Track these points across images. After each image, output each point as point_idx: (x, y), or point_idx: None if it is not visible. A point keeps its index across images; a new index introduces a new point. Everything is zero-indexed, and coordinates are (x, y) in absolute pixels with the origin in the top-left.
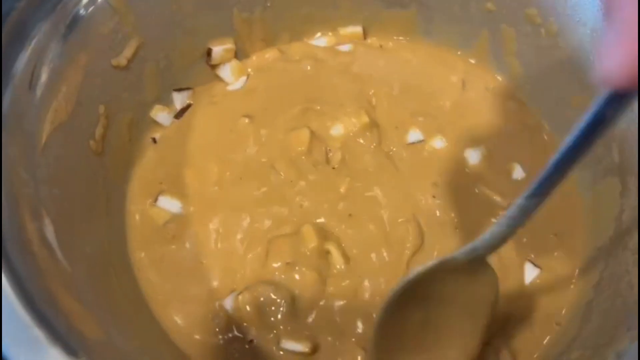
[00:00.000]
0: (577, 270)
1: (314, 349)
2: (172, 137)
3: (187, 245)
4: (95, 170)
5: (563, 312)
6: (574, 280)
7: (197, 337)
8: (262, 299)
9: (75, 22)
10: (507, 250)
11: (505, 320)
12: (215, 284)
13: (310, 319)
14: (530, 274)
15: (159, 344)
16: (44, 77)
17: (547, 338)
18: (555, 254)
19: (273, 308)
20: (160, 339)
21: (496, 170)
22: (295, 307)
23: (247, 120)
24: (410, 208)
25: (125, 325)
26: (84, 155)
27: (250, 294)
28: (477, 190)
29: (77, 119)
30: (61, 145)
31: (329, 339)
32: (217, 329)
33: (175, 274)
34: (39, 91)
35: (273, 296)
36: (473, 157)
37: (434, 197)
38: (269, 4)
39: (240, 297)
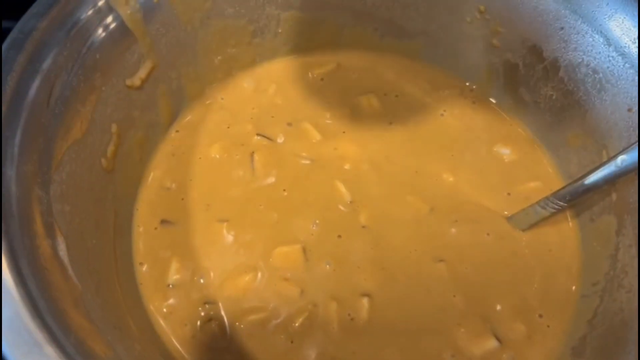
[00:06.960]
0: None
1: None
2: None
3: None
4: (105, 187)
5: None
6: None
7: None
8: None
9: (92, 43)
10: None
11: None
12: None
13: None
14: None
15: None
16: (60, 96)
17: None
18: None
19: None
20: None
21: None
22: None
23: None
24: None
25: (131, 342)
26: (96, 172)
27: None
28: None
29: (91, 137)
30: (74, 162)
31: None
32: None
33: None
34: (55, 110)
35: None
36: None
37: None
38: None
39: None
